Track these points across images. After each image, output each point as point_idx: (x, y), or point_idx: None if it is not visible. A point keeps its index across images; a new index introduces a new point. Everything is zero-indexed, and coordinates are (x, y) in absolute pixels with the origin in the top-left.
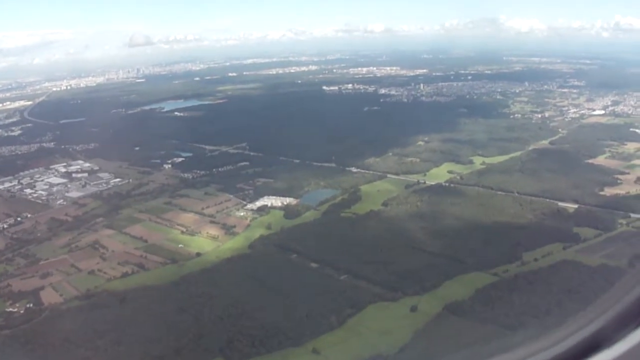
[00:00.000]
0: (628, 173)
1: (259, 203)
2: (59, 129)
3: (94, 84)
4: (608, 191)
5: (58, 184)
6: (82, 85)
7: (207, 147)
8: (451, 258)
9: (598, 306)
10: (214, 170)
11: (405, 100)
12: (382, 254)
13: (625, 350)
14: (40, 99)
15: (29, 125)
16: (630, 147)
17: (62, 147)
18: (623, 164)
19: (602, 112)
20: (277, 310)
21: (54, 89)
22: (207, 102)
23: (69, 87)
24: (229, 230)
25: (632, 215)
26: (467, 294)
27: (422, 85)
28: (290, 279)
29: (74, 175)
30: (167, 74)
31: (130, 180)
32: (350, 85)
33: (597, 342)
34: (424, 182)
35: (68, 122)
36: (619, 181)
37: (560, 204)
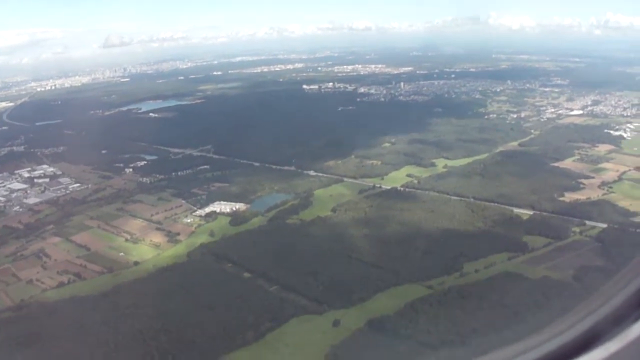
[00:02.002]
0: (593, 177)
1: (209, 209)
2: (33, 131)
3: (79, 84)
4: (568, 196)
5: (18, 190)
6: (66, 85)
7: (172, 149)
8: (387, 269)
9: (594, 301)
10: (173, 174)
11: (383, 99)
12: (317, 263)
13: (621, 346)
14: (23, 100)
15: (5, 128)
16: (602, 149)
17: (32, 150)
18: (590, 168)
19: (580, 112)
20: (198, 323)
21: (39, 89)
22: (185, 103)
23: (53, 87)
24: (172, 237)
25: (588, 222)
26: (394, 308)
27: (402, 84)
28: (219, 290)
29: (35, 180)
30: (154, 72)
31: (90, 185)
32: (330, 84)
33: (594, 338)
34: (380, 187)
35: (44, 124)
36: (581, 186)
37: (516, 210)
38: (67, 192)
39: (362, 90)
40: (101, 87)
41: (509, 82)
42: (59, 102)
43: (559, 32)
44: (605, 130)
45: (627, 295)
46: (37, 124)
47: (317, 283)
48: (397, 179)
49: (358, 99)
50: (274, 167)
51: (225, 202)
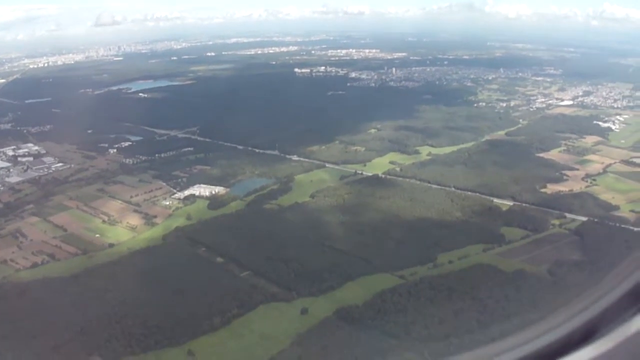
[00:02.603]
0: (577, 169)
1: (188, 192)
2: (21, 109)
3: (72, 62)
4: (550, 188)
5: (1, 168)
6: (59, 63)
7: (158, 130)
8: (360, 257)
9: (591, 296)
10: (156, 155)
11: (373, 84)
12: (290, 250)
13: (618, 341)
14: (15, 76)
15: None
16: (588, 141)
17: (18, 129)
18: (575, 159)
19: (571, 102)
20: (165, 307)
21: (32, 66)
22: (175, 83)
23: (46, 65)
24: (149, 220)
25: (568, 215)
26: (364, 297)
27: (394, 69)
28: (190, 274)
29: (19, 159)
30: (148, 52)
31: (72, 165)
32: (322, 68)
33: (590, 333)
34: (361, 173)
35: (33, 102)
36: (565, 177)
37: (496, 200)
38: (50, 171)
39: (353, 74)
40: (94, 66)
41: (501, 70)
42: (51, 80)
43: (556, 22)
44: (594, 122)
45: (624, 291)
46: (27, 101)
47: (289, 270)
48: (380, 165)
49: (348, 84)
50: (257, 150)
51: (205, 185)
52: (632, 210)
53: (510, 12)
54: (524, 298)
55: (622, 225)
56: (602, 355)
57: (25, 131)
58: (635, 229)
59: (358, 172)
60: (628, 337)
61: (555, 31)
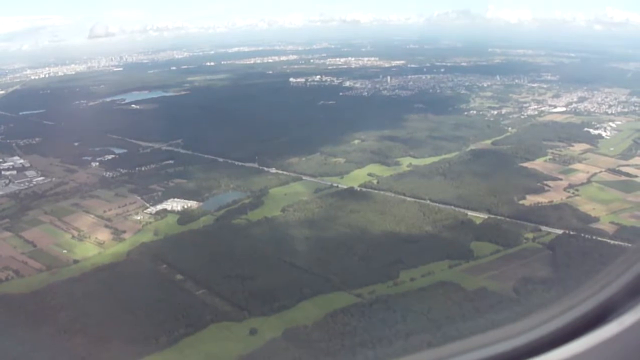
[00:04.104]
0: (561, 179)
1: (161, 206)
2: (14, 121)
3: (73, 73)
4: (530, 199)
5: None
6: (60, 73)
7: (143, 143)
8: (319, 275)
9: (608, 274)
10: (136, 169)
11: (365, 94)
12: (250, 267)
13: (629, 324)
14: (14, 87)
15: None
16: (577, 148)
17: (7, 141)
18: (560, 168)
19: (564, 109)
20: (116, 326)
21: (33, 77)
22: (169, 94)
23: (47, 75)
24: (118, 235)
25: (543, 228)
26: (315, 317)
27: (389, 77)
28: (146, 292)
29: (3, 172)
30: (149, 62)
31: (53, 179)
32: (317, 77)
33: (606, 313)
34: (337, 186)
35: (27, 114)
36: (546, 188)
37: (470, 213)
38: (31, 185)
39: (347, 84)
40: (93, 76)
41: (497, 77)
42: (48, 91)
43: (558, 27)
44: (585, 129)
45: (635, 273)
46: (21, 113)
47: (245, 288)
48: (358, 177)
49: (341, 93)
50: (236, 163)
51: (178, 200)
52: (611, 222)
53: (512, 17)
54: (481, 318)
55: (599, 238)
56: (611, 338)
57: (13, 144)
58: (612, 242)
59: (334, 184)
60: (638, 321)
61: (557, 36)
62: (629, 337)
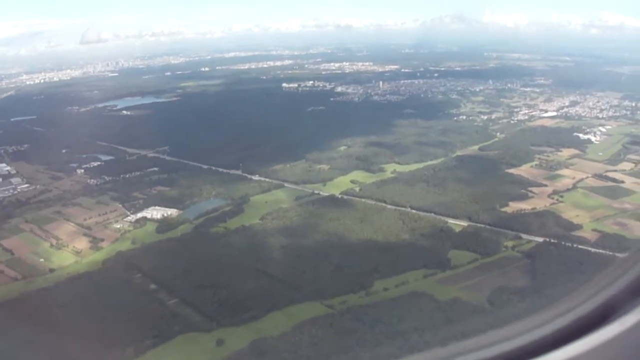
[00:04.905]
0: (546, 185)
1: (141, 214)
2: (4, 127)
3: (68, 78)
4: (512, 206)
5: None
6: (55, 79)
7: (130, 150)
8: (292, 284)
9: (611, 273)
10: (121, 176)
11: (356, 99)
12: (223, 277)
13: (631, 324)
14: (9, 93)
15: None
16: (565, 154)
17: None
18: (546, 174)
19: (555, 113)
20: (81, 338)
21: (28, 82)
22: (161, 100)
23: (42, 81)
24: (96, 244)
25: (524, 236)
26: (283, 328)
27: (381, 82)
28: (118, 302)
29: None
30: (145, 67)
31: (38, 186)
32: (310, 83)
33: (608, 313)
34: (319, 193)
35: (18, 120)
36: (530, 195)
37: (451, 221)
38: (15, 192)
39: (339, 89)
40: (88, 82)
41: (490, 81)
42: (42, 97)
43: (555, 30)
44: (575, 134)
45: (638, 273)
46: (12, 119)
47: (217, 298)
48: (340, 184)
49: (332, 99)
50: (220, 170)
51: (159, 208)
52: (594, 230)
53: (508, 21)
54: (450, 330)
55: (580, 246)
56: (613, 338)
57: (1, 150)
58: (594, 250)
59: (316, 192)
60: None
61: (553, 40)
62: (630, 337)
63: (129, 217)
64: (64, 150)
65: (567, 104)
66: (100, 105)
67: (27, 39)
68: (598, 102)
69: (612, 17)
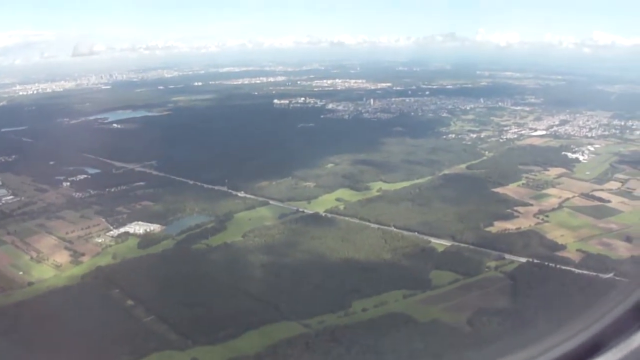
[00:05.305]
0: (532, 205)
1: (124, 229)
2: None
3: (61, 89)
4: (497, 226)
5: None
6: (48, 90)
7: (117, 163)
8: (271, 303)
9: (596, 311)
10: (106, 190)
11: (347, 116)
12: (202, 294)
13: (622, 355)
14: (1, 103)
15: None
16: (552, 173)
17: None
18: (532, 194)
19: (544, 132)
20: (53, 354)
21: (21, 93)
22: (152, 114)
23: (35, 92)
24: (76, 258)
25: (507, 256)
26: (258, 348)
27: (372, 100)
28: (94, 317)
29: None
30: (138, 81)
31: (23, 198)
32: (302, 99)
33: (595, 347)
34: (303, 211)
35: (8, 130)
36: (515, 214)
37: (434, 240)
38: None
39: (330, 106)
40: (81, 94)
41: (481, 100)
42: (34, 108)
43: (547, 50)
44: (563, 152)
45: (628, 306)
46: (2, 130)
47: (194, 315)
48: (326, 202)
49: (322, 116)
50: (206, 186)
51: (142, 223)
52: (578, 250)
53: (501, 40)
54: (427, 352)
55: (563, 267)
56: None
57: None
58: (577, 270)
59: (300, 209)
60: (631, 352)
61: (545, 59)
62: None
63: (111, 232)
64: (51, 163)
65: (557, 122)
66: (91, 117)
67: (22, 49)
68: (588, 120)
69: (603, 36)
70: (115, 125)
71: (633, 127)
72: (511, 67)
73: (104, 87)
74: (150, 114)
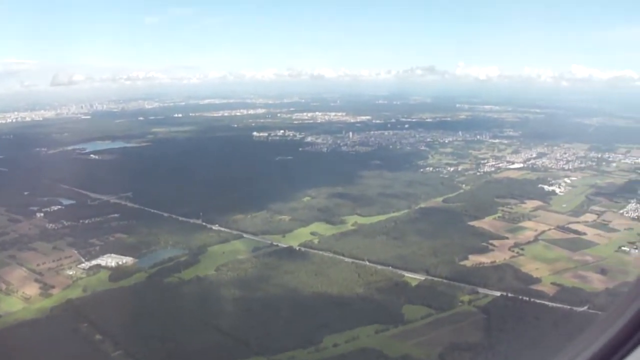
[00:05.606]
0: (507, 238)
1: (96, 261)
2: None
3: (41, 119)
4: (472, 259)
5: None
6: (28, 119)
7: (93, 195)
8: (240, 338)
9: (593, 332)
10: (80, 221)
11: (325, 149)
12: (171, 329)
13: None
14: None
15: None
16: (528, 205)
17: None
18: (508, 227)
19: (521, 165)
20: None
21: (0, 122)
22: (130, 145)
23: (14, 121)
24: (46, 290)
25: (481, 290)
26: None
27: (351, 133)
28: (61, 352)
29: None
30: (118, 111)
31: None
32: (281, 132)
33: None
34: (277, 245)
35: None
36: (491, 247)
37: (408, 274)
38: None
39: (309, 139)
40: (60, 124)
41: (460, 133)
42: (11, 137)
43: (526, 83)
44: (540, 185)
45: (625, 323)
46: None
47: (161, 351)
48: (300, 236)
49: (300, 149)
50: (181, 218)
51: (115, 255)
52: (553, 283)
53: (481, 74)
54: None
55: (538, 301)
56: None
57: None
58: (551, 304)
59: (275, 243)
60: None
61: (524, 92)
62: None
63: (83, 264)
64: (26, 193)
65: (534, 155)
66: (69, 147)
67: (3, 78)
68: (565, 153)
69: (581, 70)
70: (92, 155)
71: (609, 159)
72: (491, 101)
73: (83, 117)
74: (128, 145)
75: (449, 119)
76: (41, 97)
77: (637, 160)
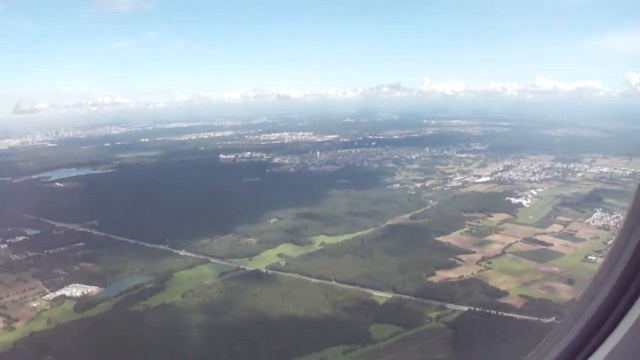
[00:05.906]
0: (474, 252)
1: (61, 292)
2: None
3: (6, 147)
4: (439, 275)
5: None
6: None
7: (58, 224)
8: None
9: (552, 338)
10: (45, 251)
11: (292, 170)
12: (135, 358)
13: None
14: None
15: None
16: (495, 219)
17: None
18: (475, 241)
19: (488, 178)
20: None
21: None
22: (96, 172)
23: None
24: (9, 324)
25: (449, 306)
26: None
27: (318, 153)
28: None
29: None
30: (85, 138)
31: None
32: (248, 154)
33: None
34: (244, 268)
35: None
36: (458, 262)
37: (375, 293)
38: None
39: (276, 160)
40: (25, 152)
41: (427, 148)
42: None
43: (492, 97)
44: (507, 198)
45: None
46: None
47: None
48: (267, 258)
49: (268, 170)
50: (147, 245)
51: (80, 285)
52: (520, 295)
53: (447, 89)
54: None
55: (505, 314)
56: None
57: None
58: (519, 316)
59: (241, 266)
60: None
61: (491, 106)
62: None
63: (47, 295)
64: None
65: (501, 168)
66: (34, 176)
67: None
68: (531, 165)
69: (546, 82)
70: (58, 184)
71: (575, 169)
72: (457, 115)
73: (49, 145)
74: (94, 171)
75: (416, 135)
76: (4, 125)
77: (602, 170)
